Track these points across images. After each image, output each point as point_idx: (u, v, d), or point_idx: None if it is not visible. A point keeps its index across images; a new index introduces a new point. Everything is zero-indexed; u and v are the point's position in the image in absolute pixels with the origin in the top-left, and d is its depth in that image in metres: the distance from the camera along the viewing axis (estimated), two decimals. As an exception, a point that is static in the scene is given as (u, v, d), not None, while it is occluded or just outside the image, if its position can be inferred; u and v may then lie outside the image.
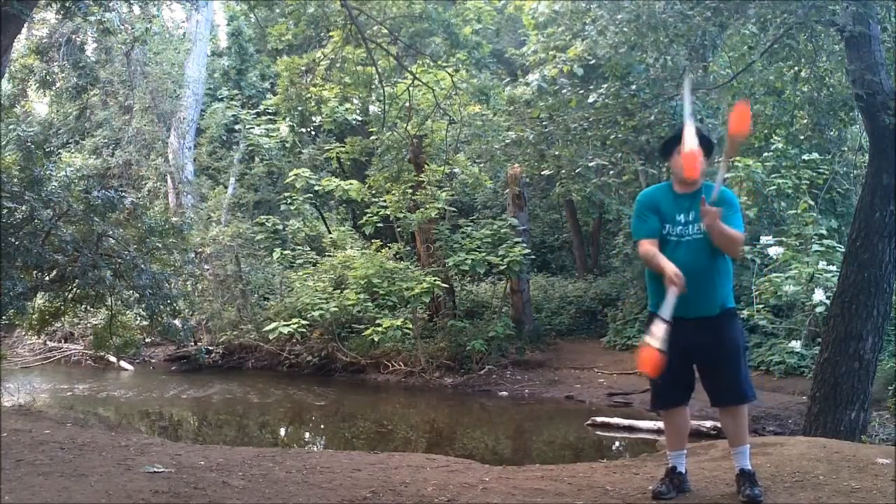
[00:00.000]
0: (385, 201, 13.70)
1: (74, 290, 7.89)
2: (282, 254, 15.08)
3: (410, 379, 12.42)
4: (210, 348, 14.18)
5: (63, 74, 17.51)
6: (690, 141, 3.40)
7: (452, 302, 14.02)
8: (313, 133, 18.51)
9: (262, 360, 14.01)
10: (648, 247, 3.48)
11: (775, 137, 11.08)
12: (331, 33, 10.35)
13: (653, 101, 10.46)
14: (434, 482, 4.02)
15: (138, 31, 15.31)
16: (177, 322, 9.72)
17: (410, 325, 12.37)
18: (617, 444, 8.66)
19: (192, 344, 14.19)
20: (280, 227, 15.58)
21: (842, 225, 11.40)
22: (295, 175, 15.05)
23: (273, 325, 12.72)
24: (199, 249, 14.34)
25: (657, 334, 3.21)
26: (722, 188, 3.53)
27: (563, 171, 13.37)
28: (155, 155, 17.13)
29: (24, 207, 7.09)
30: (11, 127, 8.62)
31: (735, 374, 3.47)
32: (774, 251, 10.09)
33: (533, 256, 14.62)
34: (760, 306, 10.30)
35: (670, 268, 3.31)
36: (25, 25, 9.59)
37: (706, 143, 3.57)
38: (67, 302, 8.28)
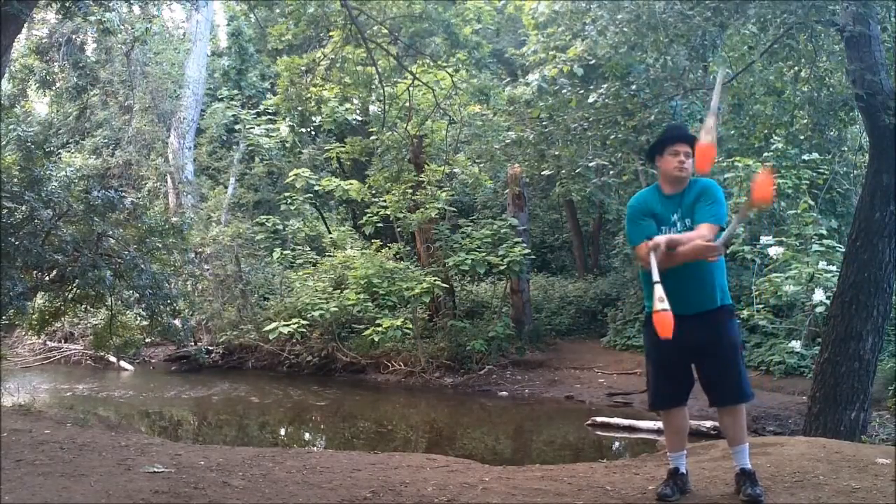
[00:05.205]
0: (385, 201, 13.69)
1: (74, 290, 7.88)
2: (282, 254, 15.09)
3: (410, 379, 12.42)
4: (210, 348, 14.18)
5: (63, 74, 17.52)
6: (707, 134, 3.38)
7: (452, 302, 14.02)
8: (313, 133, 18.52)
9: (262, 360, 14.01)
10: (646, 248, 3.48)
11: (775, 137, 11.08)
12: (331, 33, 10.35)
13: (653, 101, 10.47)
14: (434, 482, 4.02)
15: (138, 31, 15.32)
16: (177, 322, 9.72)
17: (410, 325, 12.36)
18: (617, 444, 8.66)
19: (192, 344, 14.19)
20: (280, 227, 15.58)
21: (842, 225, 11.40)
22: (295, 175, 15.05)
23: (273, 325, 12.72)
24: (199, 249, 14.33)
25: (661, 296, 3.16)
26: (705, 180, 3.58)
27: (563, 171, 13.36)
28: (155, 155, 17.12)
29: (24, 207, 7.09)
30: (11, 127, 8.60)
31: (735, 373, 3.48)
32: (774, 251, 10.08)
33: (533, 256, 14.62)
34: (760, 306, 10.30)
35: (650, 244, 3.29)
36: (25, 25, 9.58)
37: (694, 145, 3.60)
38: (67, 302, 8.27)
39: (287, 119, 14.88)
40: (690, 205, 3.46)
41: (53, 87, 18.16)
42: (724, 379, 3.47)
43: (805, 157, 11.49)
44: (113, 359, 13.50)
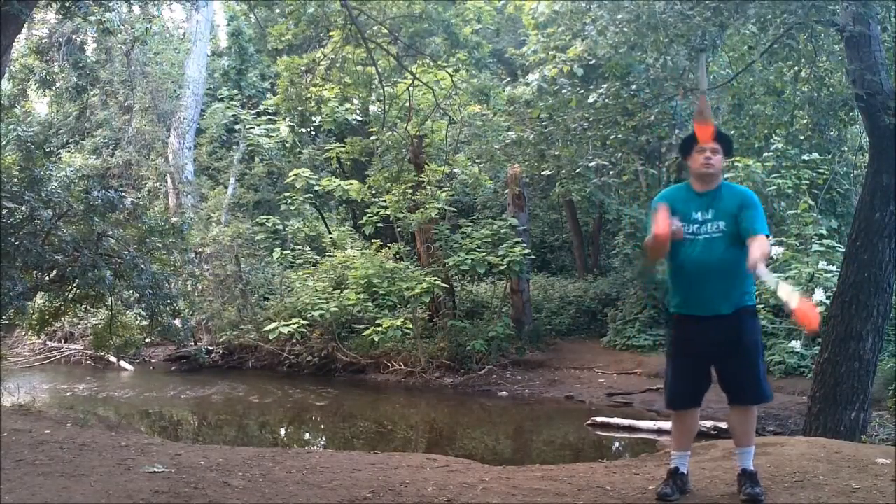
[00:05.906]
0: (385, 201, 13.69)
1: (74, 290, 7.87)
2: (282, 254, 15.08)
3: (410, 379, 12.42)
4: (210, 348, 14.18)
5: (63, 74, 17.52)
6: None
7: (452, 302, 14.02)
8: (313, 133, 18.51)
9: (262, 360, 14.00)
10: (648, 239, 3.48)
11: (775, 137, 11.09)
12: (331, 33, 10.36)
13: (653, 101, 10.49)
14: (434, 482, 4.02)
15: (138, 31, 15.33)
16: (177, 322, 9.72)
17: (410, 325, 12.36)
18: (617, 444, 8.66)
19: (192, 344, 14.18)
20: (280, 227, 15.58)
21: (842, 225, 11.41)
22: (295, 175, 15.05)
23: (273, 325, 12.71)
24: (199, 249, 14.33)
25: (789, 290, 2.97)
26: (743, 188, 3.64)
27: (563, 171, 13.38)
28: (155, 155, 17.13)
29: (24, 207, 7.08)
30: (11, 127, 8.61)
31: (754, 373, 3.49)
32: (774, 251, 10.09)
33: (533, 256, 14.61)
34: (760, 306, 10.29)
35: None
36: (25, 25, 9.58)
37: (726, 143, 3.64)
38: (67, 302, 8.26)
39: (287, 119, 14.88)
40: (730, 212, 3.42)
41: (53, 87, 18.16)
42: (743, 379, 3.48)
43: (805, 157, 11.50)
44: (113, 359, 13.50)
